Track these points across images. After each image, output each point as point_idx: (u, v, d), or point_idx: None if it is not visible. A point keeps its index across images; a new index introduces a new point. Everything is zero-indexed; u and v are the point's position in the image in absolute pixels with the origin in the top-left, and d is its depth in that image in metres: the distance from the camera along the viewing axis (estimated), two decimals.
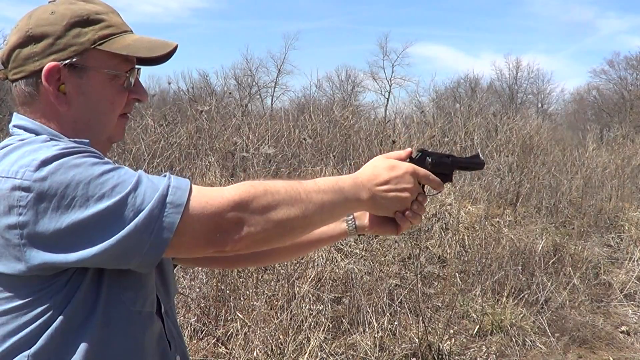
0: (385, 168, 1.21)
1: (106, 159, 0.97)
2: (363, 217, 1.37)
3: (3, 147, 0.99)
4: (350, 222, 1.38)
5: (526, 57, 75.54)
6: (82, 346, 0.96)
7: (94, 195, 0.90)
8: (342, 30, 71.20)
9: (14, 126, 1.07)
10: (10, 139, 1.03)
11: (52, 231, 0.90)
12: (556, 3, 70.71)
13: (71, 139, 1.01)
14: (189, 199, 0.94)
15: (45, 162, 0.90)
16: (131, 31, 1.12)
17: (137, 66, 1.13)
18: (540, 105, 39.91)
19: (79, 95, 1.05)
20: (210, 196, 0.96)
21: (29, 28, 1.04)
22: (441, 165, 1.28)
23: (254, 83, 37.03)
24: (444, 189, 1.34)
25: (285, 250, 1.42)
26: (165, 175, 0.97)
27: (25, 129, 1.05)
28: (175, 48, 1.10)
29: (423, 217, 1.61)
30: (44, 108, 1.05)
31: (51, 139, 0.99)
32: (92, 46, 1.05)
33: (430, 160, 1.27)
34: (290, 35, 73.27)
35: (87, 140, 1.02)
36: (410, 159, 1.26)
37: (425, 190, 1.27)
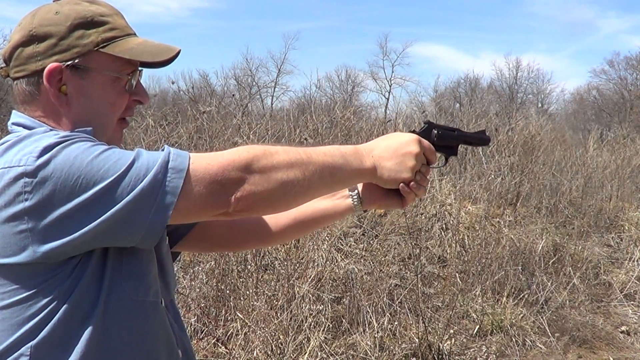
0: (388, 137, 1.20)
1: (104, 143, 0.99)
2: (368, 192, 1.32)
3: (3, 143, 1.00)
4: (354, 196, 1.33)
5: (526, 57, 75.68)
6: (85, 336, 0.97)
7: (98, 171, 0.92)
8: (342, 30, 71.25)
9: (13, 124, 1.07)
10: (9, 136, 1.04)
11: (61, 212, 0.91)
12: (556, 3, 70.75)
13: (73, 130, 1.03)
14: (189, 164, 0.96)
15: (47, 149, 0.92)
16: (135, 34, 1.12)
17: (139, 68, 1.13)
18: (540, 105, 39.90)
19: (80, 97, 1.06)
20: (210, 159, 0.99)
21: (33, 27, 1.04)
22: (447, 138, 1.26)
23: (254, 83, 37.04)
24: (446, 164, 1.31)
25: (292, 228, 1.40)
26: (163, 149, 0.99)
27: (25, 127, 1.05)
28: (178, 53, 1.11)
29: (424, 217, 1.60)
30: (44, 107, 1.06)
31: (51, 130, 1.01)
32: (95, 48, 1.05)
33: (436, 132, 1.25)
34: (290, 35, 73.04)
35: (89, 129, 1.03)
36: (414, 131, 1.24)
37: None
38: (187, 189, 0.95)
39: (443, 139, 1.25)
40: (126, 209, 0.92)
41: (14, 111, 1.09)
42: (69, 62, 1.03)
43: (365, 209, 1.35)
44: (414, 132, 1.23)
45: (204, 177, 0.97)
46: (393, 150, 1.17)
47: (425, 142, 1.22)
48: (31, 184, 0.90)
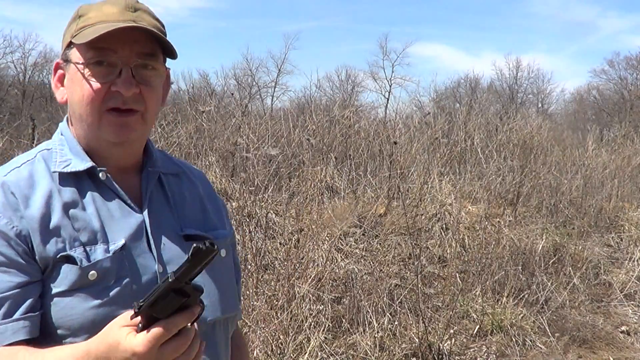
0: None
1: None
2: None
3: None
4: None
5: (526, 56, 75.55)
6: None
7: None
8: (342, 30, 71.10)
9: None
10: (44, 144, 1.14)
11: None
12: (557, 2, 70.72)
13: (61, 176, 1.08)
14: None
15: None
16: (115, 21, 1.04)
17: (140, 60, 1.05)
18: (540, 105, 39.91)
19: (67, 88, 1.11)
20: None
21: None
22: (164, 302, 0.86)
23: (254, 83, 36.98)
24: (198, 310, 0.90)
25: None
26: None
27: (61, 132, 1.15)
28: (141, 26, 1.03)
29: (424, 217, 1.56)
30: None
31: (11, 193, 1.03)
32: (70, 40, 1.08)
33: (139, 308, 0.88)
34: (290, 35, 72.84)
35: (93, 164, 1.10)
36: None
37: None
38: None
39: (162, 307, 0.87)
40: None
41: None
42: (62, 57, 1.11)
43: None
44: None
45: None
46: None
47: (154, 333, 0.86)
48: None
